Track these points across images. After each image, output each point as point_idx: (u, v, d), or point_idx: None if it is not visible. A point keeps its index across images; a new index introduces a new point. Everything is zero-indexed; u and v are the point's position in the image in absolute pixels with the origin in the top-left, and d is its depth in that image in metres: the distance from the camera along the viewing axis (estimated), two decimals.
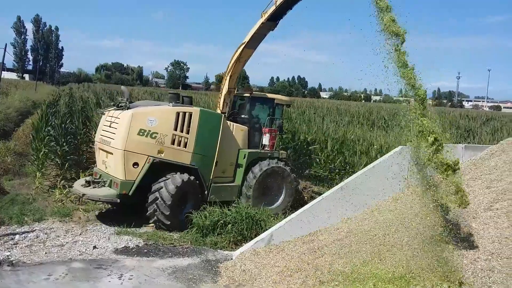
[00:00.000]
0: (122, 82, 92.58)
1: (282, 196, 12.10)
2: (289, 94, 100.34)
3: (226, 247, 9.49)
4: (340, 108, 31.79)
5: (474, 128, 23.25)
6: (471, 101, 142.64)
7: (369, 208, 9.53)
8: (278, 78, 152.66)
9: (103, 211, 11.52)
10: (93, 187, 10.70)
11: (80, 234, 9.67)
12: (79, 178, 12.41)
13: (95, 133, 14.92)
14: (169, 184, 10.26)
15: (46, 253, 8.50)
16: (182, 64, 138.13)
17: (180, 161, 10.72)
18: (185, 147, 10.76)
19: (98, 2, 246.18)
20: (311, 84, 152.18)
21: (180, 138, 10.69)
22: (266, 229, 9.43)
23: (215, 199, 11.10)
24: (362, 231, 8.62)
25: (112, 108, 11.21)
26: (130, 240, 9.46)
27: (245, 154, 11.82)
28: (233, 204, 10.83)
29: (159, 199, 10.18)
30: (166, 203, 10.14)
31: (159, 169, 10.46)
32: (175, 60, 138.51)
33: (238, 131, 11.93)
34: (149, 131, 10.26)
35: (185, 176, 10.50)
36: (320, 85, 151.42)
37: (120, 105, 10.90)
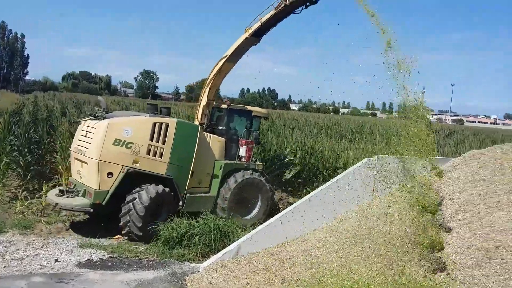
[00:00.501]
0: (89, 91, 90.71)
1: (258, 207, 12.15)
2: (259, 106, 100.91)
3: (193, 260, 9.36)
4: (309, 120, 32.15)
5: (438, 141, 23.92)
6: (435, 114, 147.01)
7: (336, 219, 9.63)
8: (248, 90, 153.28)
9: (66, 223, 11.18)
10: (67, 197, 10.55)
11: (42, 247, 9.34)
12: (42, 189, 12.06)
13: (59, 143, 14.60)
14: (143, 195, 10.22)
15: (5, 267, 8.18)
16: (151, 74, 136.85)
17: (156, 171, 10.72)
18: (161, 157, 10.77)
19: (65, 9, 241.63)
20: (281, 96, 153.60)
21: (156, 149, 10.70)
22: (234, 241, 9.37)
23: (191, 210, 11.08)
24: (329, 241, 8.68)
25: (89, 118, 11.18)
26: (93, 253, 9.21)
27: (221, 165, 11.86)
28: (201, 216, 10.74)
29: (132, 210, 10.12)
30: (139, 214, 10.08)
31: (134, 179, 10.44)
32: (144, 69, 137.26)
33: (215, 142, 12.00)
34: (125, 141, 10.26)
35: (160, 188, 10.50)
36: (290, 97, 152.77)
37: (96, 115, 10.89)
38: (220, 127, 12.66)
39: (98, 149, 10.08)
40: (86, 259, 8.90)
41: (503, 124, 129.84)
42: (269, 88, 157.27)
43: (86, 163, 10.43)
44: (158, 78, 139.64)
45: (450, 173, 10.19)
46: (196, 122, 12.30)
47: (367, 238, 8.40)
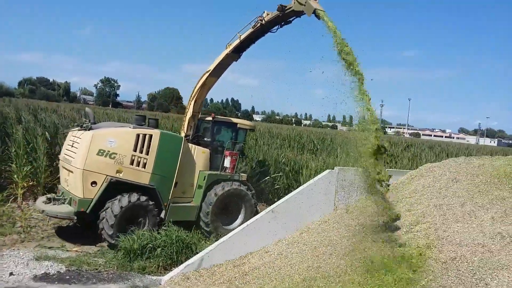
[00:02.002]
0: (47, 98, 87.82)
1: (241, 217, 12.31)
2: (223, 116, 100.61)
3: (155, 272, 9.19)
4: (272, 131, 32.38)
5: (396, 153, 24.61)
6: (393, 127, 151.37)
7: (299, 230, 9.74)
8: (212, 100, 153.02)
9: (21, 235, 10.76)
10: (53, 204, 10.84)
11: None
12: None
13: (14, 150, 14.08)
14: (115, 205, 10.46)
15: None
16: (112, 82, 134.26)
17: (139, 181, 10.99)
18: (144, 167, 11.05)
19: (18, 13, 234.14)
20: (244, 107, 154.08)
21: (140, 159, 11.00)
22: (197, 253, 9.30)
23: (174, 219, 11.26)
24: (292, 253, 8.77)
25: (76, 128, 11.53)
26: (50, 266, 8.89)
27: (205, 176, 12.10)
28: (163, 227, 10.62)
29: (104, 218, 10.41)
30: (109, 223, 10.33)
31: (118, 188, 10.66)
32: (105, 77, 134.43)
33: (200, 153, 12.25)
34: (108, 151, 10.59)
35: (134, 197, 10.69)
36: (253, 107, 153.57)
37: (83, 125, 11.21)
38: (206, 139, 12.93)
39: (83, 158, 10.38)
40: (43, 272, 8.57)
41: (457, 138, 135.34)
42: (232, 99, 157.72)
43: (72, 172, 10.71)
44: (119, 85, 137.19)
45: (408, 185, 10.53)
46: (182, 134, 12.59)
47: (329, 250, 8.54)
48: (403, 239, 8.37)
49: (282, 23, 11.49)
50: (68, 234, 11.46)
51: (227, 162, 12.59)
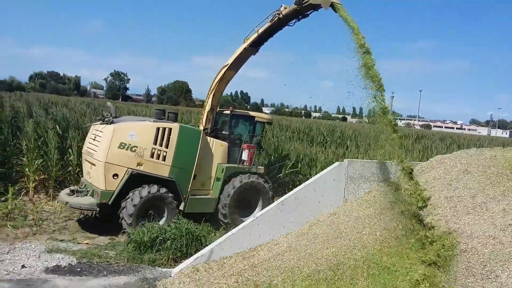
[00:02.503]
0: (58, 92, 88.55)
1: (258, 209, 12.38)
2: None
3: (165, 264, 9.24)
4: (281, 123, 32.32)
5: (407, 145, 24.46)
6: (404, 119, 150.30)
7: (308, 222, 9.71)
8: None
9: (33, 228, 10.89)
10: (76, 196, 11.20)
11: (8, 252, 9.04)
12: (7, 192, 11.73)
13: (25, 144, 14.23)
14: (135, 195, 10.76)
15: None
16: (122, 75, 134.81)
17: (158, 173, 11.25)
18: (164, 160, 11.29)
19: (29, 8, 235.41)
20: (253, 100, 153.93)
21: (159, 152, 11.25)
22: (207, 245, 9.32)
23: (193, 211, 11.68)
24: (301, 245, 8.76)
25: (98, 122, 11.81)
26: (62, 259, 8.98)
27: (223, 169, 12.29)
28: (172, 220, 10.69)
29: (124, 208, 10.71)
30: (129, 212, 10.64)
31: (138, 180, 10.96)
32: (115, 70, 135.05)
33: (218, 146, 12.47)
34: (130, 144, 10.86)
35: (154, 189, 10.98)
36: (262, 100, 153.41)
37: (105, 119, 11.45)
38: (224, 132, 13.15)
39: (105, 151, 10.68)
40: (54, 264, 8.67)
41: (469, 129, 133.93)
42: (241, 91, 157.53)
43: (94, 164, 11.03)
44: (129, 79, 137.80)
45: (418, 177, 10.43)
46: (201, 127, 12.78)
47: (338, 242, 8.52)
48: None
49: (299, 17, 11.61)
50: (81, 226, 11.58)
51: (244, 155, 12.80)
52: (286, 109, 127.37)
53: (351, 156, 18.92)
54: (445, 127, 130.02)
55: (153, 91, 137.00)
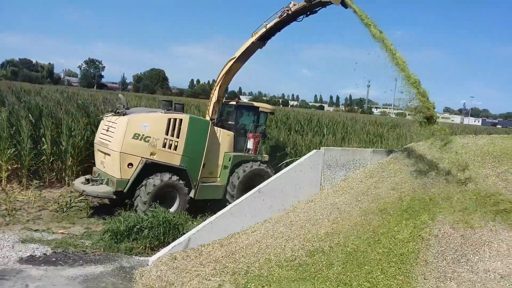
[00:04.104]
0: (30, 80, 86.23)
1: None
2: (209, 97, 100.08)
3: (142, 253, 9.20)
4: None
5: (382, 133, 24.81)
6: (380, 108, 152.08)
7: (285, 209, 9.81)
8: (198, 81, 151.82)
9: (6, 218, 10.67)
10: (92, 185, 11.72)
11: None
12: None
13: None
14: (149, 183, 11.29)
15: None
16: (97, 63, 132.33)
17: (171, 162, 11.86)
18: (175, 150, 11.90)
19: None
20: (231, 88, 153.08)
21: (171, 142, 11.84)
22: (184, 233, 9.32)
23: (202, 197, 12.50)
24: (278, 232, 8.85)
25: (110, 114, 12.37)
26: (36, 248, 8.84)
27: (230, 157, 13.01)
28: (149, 209, 10.66)
29: (139, 195, 11.25)
30: (143, 199, 11.17)
31: (152, 169, 11.52)
32: (89, 58, 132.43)
33: (225, 136, 13.15)
34: (143, 135, 11.42)
35: (166, 176, 11.53)
36: (240, 88, 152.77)
37: (117, 111, 12.08)
38: (230, 122, 13.78)
39: (120, 142, 11.23)
40: (29, 254, 8.54)
41: (442, 117, 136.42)
42: None
43: (109, 154, 11.56)
44: (104, 67, 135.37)
45: (392, 164, 10.63)
46: (207, 118, 13.47)
47: (315, 228, 8.64)
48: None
49: (308, 13, 12.00)
50: (53, 216, 11.42)
51: (250, 144, 13.52)
52: (264, 98, 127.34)
53: (328, 144, 19.11)
54: None
55: (129, 79, 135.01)
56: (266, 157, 13.95)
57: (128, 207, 10.83)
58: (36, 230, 10.04)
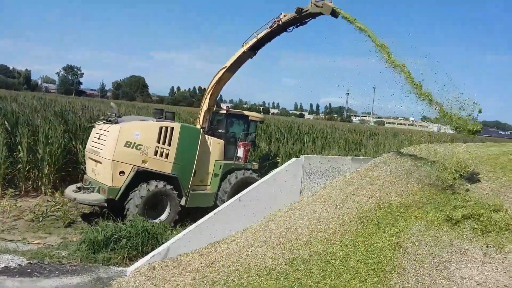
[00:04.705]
0: (7, 86, 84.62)
1: None
2: (190, 105, 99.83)
3: (120, 263, 9.06)
4: None
5: (361, 141, 25.13)
6: (359, 116, 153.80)
7: (265, 218, 9.82)
8: (179, 88, 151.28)
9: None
10: (83, 193, 11.68)
11: None
12: None
13: None
14: (143, 188, 11.40)
15: None
16: (75, 69, 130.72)
17: (162, 170, 11.94)
18: (167, 158, 11.99)
19: None
20: None
21: (162, 150, 11.91)
22: (163, 243, 9.23)
23: (193, 205, 12.55)
24: (258, 241, 8.83)
25: (102, 122, 12.38)
26: (11, 259, 8.61)
27: (221, 165, 13.20)
28: (127, 218, 10.54)
29: (132, 199, 11.31)
30: (135, 203, 11.23)
31: (143, 177, 11.59)
32: (68, 64, 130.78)
33: (215, 144, 13.32)
34: (135, 143, 11.47)
35: (160, 184, 11.67)
36: (221, 96, 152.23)
37: (109, 119, 12.07)
38: (220, 130, 13.94)
39: (112, 150, 11.24)
40: (3, 266, 8.30)
41: (420, 125, 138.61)
42: (199, 87, 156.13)
43: (100, 162, 11.55)
44: (83, 73, 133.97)
45: (371, 172, 10.76)
46: (198, 126, 13.59)
47: (294, 236, 8.66)
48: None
49: (298, 24, 12.31)
50: (29, 226, 11.18)
51: (240, 152, 13.73)
52: (245, 105, 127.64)
53: (307, 152, 19.23)
54: (398, 124, 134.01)
55: (108, 86, 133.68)
56: (256, 165, 14.14)
57: (106, 216, 10.66)
58: (11, 241, 9.82)
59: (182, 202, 12.30)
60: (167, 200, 11.86)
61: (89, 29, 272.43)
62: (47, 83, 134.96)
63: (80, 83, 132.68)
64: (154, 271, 8.10)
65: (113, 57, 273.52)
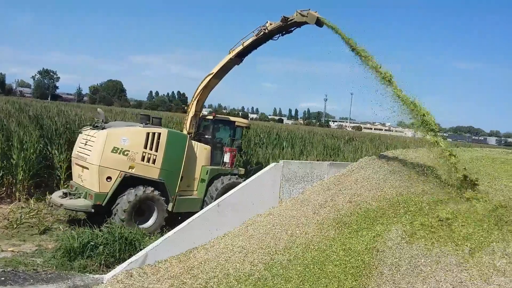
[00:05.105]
0: None
1: None
2: (168, 109, 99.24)
3: (97, 271, 8.93)
4: None
5: (339, 146, 25.38)
6: (337, 121, 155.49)
7: (244, 223, 9.82)
8: (157, 93, 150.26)
9: None
10: (70, 198, 11.63)
11: None
12: None
13: None
14: (130, 193, 11.45)
15: None
16: (51, 73, 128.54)
17: (149, 176, 12.01)
18: (154, 163, 12.07)
19: None
20: (190, 100, 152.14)
21: (150, 155, 11.99)
22: (141, 249, 9.13)
23: (180, 210, 12.55)
24: (237, 246, 8.83)
25: (89, 128, 12.38)
26: None
27: (207, 170, 13.34)
28: (104, 224, 10.41)
29: (119, 204, 11.35)
30: (123, 208, 11.28)
31: (130, 182, 11.64)
32: (43, 68, 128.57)
33: (202, 149, 13.44)
34: (122, 149, 11.52)
35: (148, 189, 11.76)
36: None
37: (96, 125, 12.15)
38: (206, 136, 14.07)
39: (99, 156, 11.28)
40: None
41: (396, 131, 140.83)
42: (178, 92, 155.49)
43: (87, 168, 11.56)
44: (59, 77, 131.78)
45: (349, 177, 10.88)
46: (185, 132, 13.65)
47: (273, 242, 8.68)
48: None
49: (283, 32, 12.62)
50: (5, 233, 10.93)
51: (226, 158, 13.87)
52: (224, 110, 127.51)
53: (286, 157, 19.34)
54: (375, 129, 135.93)
55: (85, 90, 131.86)
56: (242, 171, 14.24)
57: (83, 222, 10.51)
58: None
59: (169, 208, 12.36)
60: (155, 206, 11.91)
61: (65, 33, 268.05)
62: (22, 87, 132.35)
63: (56, 87, 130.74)
64: (132, 278, 8.01)
65: (90, 61, 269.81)
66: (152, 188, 11.85)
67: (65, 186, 14.78)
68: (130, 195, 11.40)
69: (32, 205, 13.09)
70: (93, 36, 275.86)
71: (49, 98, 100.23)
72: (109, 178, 11.37)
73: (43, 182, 14.86)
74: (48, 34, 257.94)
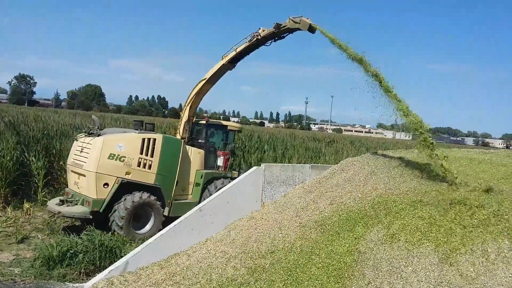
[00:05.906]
0: None
1: None
2: (149, 114, 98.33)
3: (77, 279, 8.79)
4: None
5: (320, 149, 25.54)
6: (318, 124, 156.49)
7: (227, 228, 9.77)
8: (137, 97, 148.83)
9: None
10: (67, 206, 11.70)
11: None
12: None
13: None
14: (127, 200, 11.59)
15: None
16: (28, 78, 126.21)
17: (146, 181, 12.22)
18: (150, 168, 12.29)
19: None
20: (171, 104, 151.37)
21: (145, 161, 12.22)
22: (122, 257, 9.00)
23: (176, 215, 12.05)
24: (220, 251, 8.78)
25: (84, 135, 12.46)
26: None
27: (202, 174, 13.64)
28: (84, 232, 10.23)
29: (116, 211, 11.48)
30: (120, 215, 11.41)
31: (127, 188, 11.79)
32: (20, 73, 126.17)
33: (196, 154, 13.73)
34: (118, 155, 11.70)
35: (145, 195, 11.90)
36: (180, 105, 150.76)
37: (91, 132, 12.25)
38: (200, 140, 14.34)
39: (95, 162, 11.40)
40: None
41: (376, 133, 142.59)
42: (158, 96, 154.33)
43: (83, 175, 11.65)
44: (36, 82, 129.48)
45: (330, 179, 10.94)
46: (178, 137, 13.92)
47: (256, 246, 8.66)
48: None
49: (276, 38, 12.83)
50: None
51: (220, 161, 14.23)
52: (205, 114, 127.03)
53: (268, 160, 19.35)
54: (355, 131, 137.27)
55: (63, 95, 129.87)
56: (235, 174, 14.36)
57: (62, 230, 10.32)
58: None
59: (165, 212, 12.53)
60: (152, 211, 12.08)
61: (42, 37, 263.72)
62: None
63: (33, 92, 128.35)
64: (113, 286, 7.90)
65: (68, 65, 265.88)
66: (149, 194, 11.98)
67: (43, 193, 14.52)
68: (127, 202, 11.51)
69: (9, 213, 12.81)
70: (70, 40, 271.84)
71: (25, 104, 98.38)
72: (106, 184, 11.48)
73: (20, 190, 14.55)
74: (24, 38, 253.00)
